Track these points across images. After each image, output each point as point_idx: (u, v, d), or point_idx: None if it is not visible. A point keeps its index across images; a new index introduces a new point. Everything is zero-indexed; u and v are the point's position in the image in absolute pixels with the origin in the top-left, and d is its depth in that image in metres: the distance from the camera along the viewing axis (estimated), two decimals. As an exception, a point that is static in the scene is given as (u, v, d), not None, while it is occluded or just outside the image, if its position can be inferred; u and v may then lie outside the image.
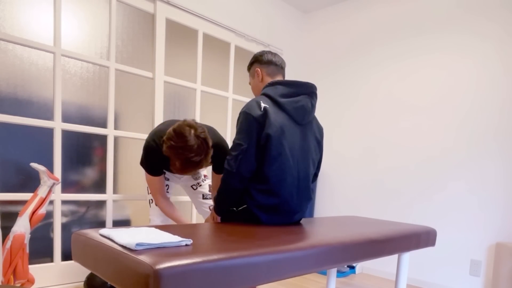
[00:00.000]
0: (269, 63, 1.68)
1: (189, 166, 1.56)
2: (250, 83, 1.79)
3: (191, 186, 2.17)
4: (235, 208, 1.61)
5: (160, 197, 1.93)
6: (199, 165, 1.58)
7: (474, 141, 2.71)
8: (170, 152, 1.54)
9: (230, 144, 3.17)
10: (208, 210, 2.17)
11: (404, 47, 3.10)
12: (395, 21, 3.16)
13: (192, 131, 1.53)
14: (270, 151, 1.48)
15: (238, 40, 3.23)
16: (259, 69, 1.69)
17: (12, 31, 2.04)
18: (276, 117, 1.51)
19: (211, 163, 1.83)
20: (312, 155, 1.65)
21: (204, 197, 2.16)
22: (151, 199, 2.03)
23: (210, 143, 1.59)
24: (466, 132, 2.75)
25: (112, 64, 2.44)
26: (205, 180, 2.19)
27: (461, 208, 2.77)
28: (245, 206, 1.57)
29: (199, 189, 2.16)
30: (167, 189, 2.05)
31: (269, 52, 1.72)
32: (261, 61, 1.69)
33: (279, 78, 1.69)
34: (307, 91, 1.61)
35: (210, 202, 2.17)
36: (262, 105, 1.50)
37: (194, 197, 2.19)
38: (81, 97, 2.36)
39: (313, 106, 1.63)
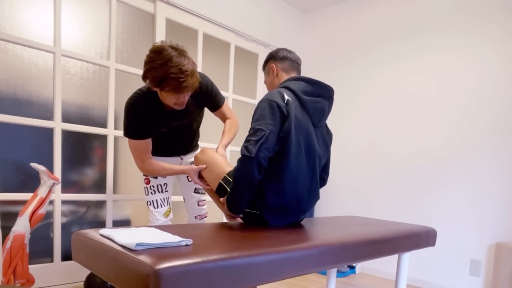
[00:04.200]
0: (284, 58, 1.65)
1: (186, 79, 1.49)
2: (265, 82, 1.75)
3: (187, 177, 2.09)
4: (249, 210, 1.53)
5: (148, 159, 1.79)
6: (194, 74, 1.53)
7: (474, 141, 2.71)
8: (161, 71, 1.47)
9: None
10: (197, 204, 2.13)
11: (404, 47, 3.10)
12: (396, 21, 3.16)
13: (169, 46, 1.49)
14: (288, 147, 1.43)
15: (238, 40, 3.23)
16: (274, 65, 1.66)
17: (12, 31, 2.04)
18: (297, 113, 1.46)
19: (199, 103, 1.83)
20: (321, 158, 1.63)
21: (195, 190, 2.12)
22: (149, 201, 1.98)
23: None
24: (466, 131, 2.75)
25: (112, 64, 2.44)
26: None
27: (461, 208, 2.77)
28: (255, 211, 1.52)
29: None
30: (165, 188, 2.00)
31: (285, 49, 1.68)
32: (276, 58, 1.66)
33: (293, 74, 1.66)
34: (327, 94, 1.59)
35: (201, 197, 2.14)
36: (286, 97, 1.44)
37: (186, 189, 2.14)
38: (81, 97, 2.36)
39: (329, 110, 1.62)
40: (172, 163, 1.96)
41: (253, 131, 1.39)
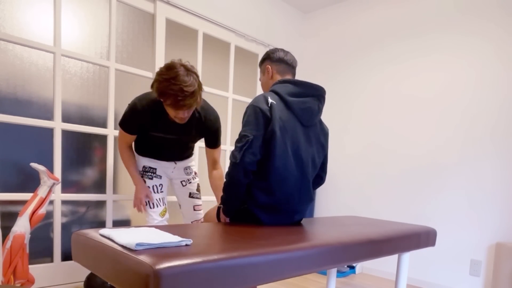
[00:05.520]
0: (280, 61, 1.67)
1: (184, 98, 1.60)
2: (260, 79, 1.78)
3: (181, 182, 2.16)
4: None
5: (126, 148, 1.97)
6: (193, 96, 1.63)
7: (473, 141, 2.71)
8: (163, 86, 1.59)
9: (228, 138, 3.15)
10: (193, 209, 2.16)
11: (404, 47, 3.10)
12: (395, 22, 3.16)
13: (181, 65, 1.61)
14: (273, 148, 1.48)
15: (238, 40, 3.23)
16: (269, 66, 1.69)
17: (12, 31, 2.04)
18: (281, 115, 1.50)
19: (200, 132, 1.95)
20: (314, 157, 1.65)
21: (190, 195, 2.16)
22: (145, 202, 2.00)
23: (199, 78, 1.68)
24: (465, 131, 2.75)
25: (112, 64, 2.44)
26: (195, 178, 2.20)
27: (461, 208, 2.77)
28: (245, 206, 1.57)
29: (188, 186, 2.17)
30: (161, 189, 2.04)
31: (282, 50, 1.70)
32: (272, 59, 1.68)
33: (288, 77, 1.68)
34: (316, 93, 1.60)
35: (196, 202, 2.17)
36: (269, 100, 1.50)
37: (181, 194, 2.19)
38: (81, 97, 2.36)
39: (319, 109, 1.63)
40: (166, 167, 2.07)
41: (239, 138, 1.49)
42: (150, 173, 2.02)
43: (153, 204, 2.01)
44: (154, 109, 1.79)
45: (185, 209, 2.19)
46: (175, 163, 2.13)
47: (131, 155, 1.98)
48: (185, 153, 2.14)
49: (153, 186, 2.02)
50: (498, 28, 2.60)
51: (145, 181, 2.01)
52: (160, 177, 2.05)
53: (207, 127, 1.95)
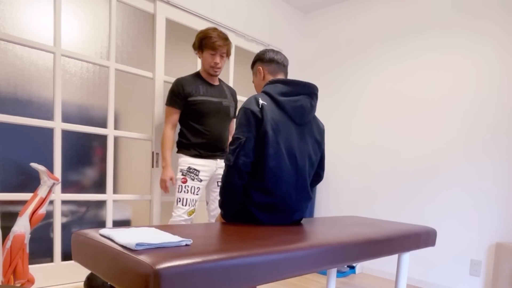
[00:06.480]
0: (271, 61, 1.69)
1: (219, 39, 2.17)
2: (253, 81, 1.80)
3: (217, 182, 2.37)
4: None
5: (170, 129, 2.29)
6: (226, 40, 2.22)
7: (473, 141, 2.71)
8: (203, 33, 2.20)
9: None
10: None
11: (404, 47, 3.10)
12: (396, 21, 3.16)
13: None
14: (267, 148, 1.50)
15: (238, 40, 3.23)
16: (261, 68, 1.71)
17: (12, 31, 2.04)
18: (273, 115, 1.52)
19: (232, 98, 2.44)
20: (311, 155, 1.65)
21: None
22: (179, 198, 2.20)
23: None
24: (466, 131, 2.75)
25: (112, 64, 2.44)
26: None
27: (461, 208, 2.77)
28: (244, 206, 1.57)
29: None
30: (197, 191, 2.22)
31: (272, 50, 1.72)
32: (263, 60, 1.71)
33: (280, 76, 1.70)
34: (307, 91, 1.61)
35: None
36: (260, 101, 1.52)
37: (215, 194, 2.37)
38: (81, 97, 2.36)
39: (312, 107, 1.63)
40: (209, 165, 2.29)
41: (232, 140, 1.52)
42: (193, 175, 2.22)
43: (186, 202, 2.19)
44: (192, 76, 2.29)
45: (213, 207, 2.39)
46: (217, 161, 2.33)
47: (171, 137, 2.29)
48: (225, 139, 2.37)
49: (191, 187, 2.21)
50: (499, 27, 2.60)
51: (186, 180, 2.20)
52: (200, 180, 2.23)
53: (234, 95, 2.48)
